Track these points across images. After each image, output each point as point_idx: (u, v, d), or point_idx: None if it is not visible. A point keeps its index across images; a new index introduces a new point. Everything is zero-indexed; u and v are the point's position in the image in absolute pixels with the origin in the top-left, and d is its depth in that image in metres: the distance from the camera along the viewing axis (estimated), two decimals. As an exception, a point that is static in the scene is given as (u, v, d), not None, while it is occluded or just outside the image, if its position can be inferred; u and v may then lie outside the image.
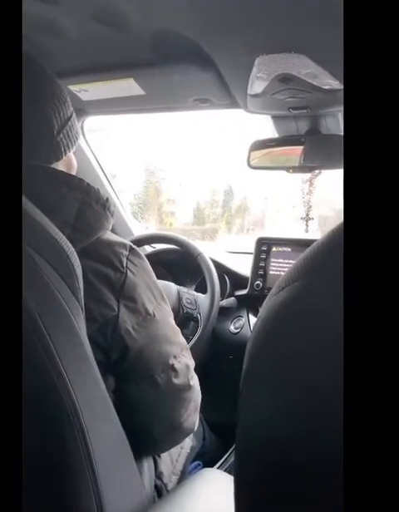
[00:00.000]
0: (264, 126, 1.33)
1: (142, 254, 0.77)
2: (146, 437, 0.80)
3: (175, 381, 0.77)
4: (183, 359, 0.80)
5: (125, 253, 0.73)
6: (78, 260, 0.64)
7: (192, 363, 0.83)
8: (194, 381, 0.82)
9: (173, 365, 0.77)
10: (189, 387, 0.80)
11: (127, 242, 0.76)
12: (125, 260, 0.73)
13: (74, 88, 1.08)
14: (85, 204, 0.71)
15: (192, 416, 0.83)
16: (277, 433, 0.36)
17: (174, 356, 0.77)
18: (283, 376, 0.35)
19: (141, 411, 0.78)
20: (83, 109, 1.26)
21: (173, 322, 0.82)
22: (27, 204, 0.60)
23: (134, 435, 0.74)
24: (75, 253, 0.64)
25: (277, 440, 0.35)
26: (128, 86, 1.03)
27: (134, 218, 1.82)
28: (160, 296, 0.79)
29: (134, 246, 0.76)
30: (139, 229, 1.73)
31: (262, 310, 0.41)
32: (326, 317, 0.32)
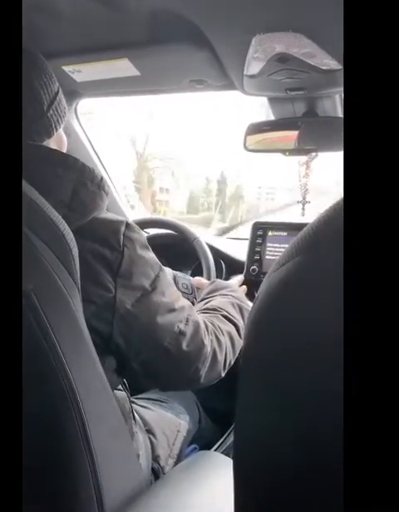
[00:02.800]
0: (258, 112, 1.32)
1: (138, 228, 0.76)
2: (167, 388, 0.90)
3: (186, 344, 0.78)
4: (190, 321, 0.80)
5: (122, 228, 0.73)
6: (74, 240, 0.63)
7: (201, 321, 0.84)
8: (208, 339, 0.83)
9: (181, 330, 0.78)
10: (203, 345, 0.81)
11: (123, 218, 0.75)
12: (121, 238, 0.72)
13: (68, 69, 1.06)
14: (80, 184, 0.71)
15: (213, 371, 0.84)
16: (277, 414, 0.35)
17: (180, 321, 0.78)
18: (284, 352, 0.35)
19: (158, 375, 0.81)
20: (77, 90, 1.24)
21: (173, 288, 0.82)
22: (23, 184, 0.59)
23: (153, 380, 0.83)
24: (71, 234, 0.63)
25: (273, 423, 0.35)
26: (123, 67, 1.02)
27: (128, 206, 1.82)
28: (158, 267, 0.78)
29: (130, 221, 0.75)
30: (132, 217, 1.72)
31: (261, 288, 0.40)
32: (327, 291, 0.32)
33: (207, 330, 0.85)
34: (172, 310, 0.78)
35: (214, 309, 0.99)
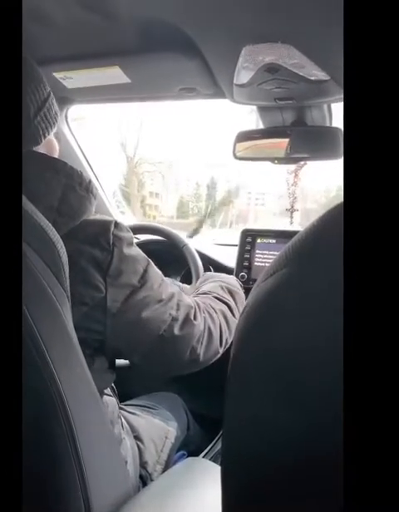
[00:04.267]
0: (249, 120, 1.33)
1: (126, 226, 0.77)
2: (169, 372, 0.93)
3: (179, 328, 0.80)
4: (181, 306, 0.83)
5: (111, 228, 0.73)
6: (64, 247, 0.63)
7: (192, 303, 0.87)
8: (201, 317, 0.86)
9: (173, 317, 0.80)
10: (195, 325, 0.83)
11: (112, 218, 0.76)
12: (111, 237, 0.72)
13: (59, 75, 1.06)
14: (69, 188, 0.71)
15: (210, 348, 0.87)
16: (264, 422, 0.36)
17: (171, 308, 0.80)
18: (271, 363, 0.35)
19: (159, 363, 0.84)
20: (68, 97, 1.24)
21: (160, 279, 0.83)
22: None
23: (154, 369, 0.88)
24: (60, 241, 0.63)
25: (263, 429, 0.35)
26: (114, 74, 1.02)
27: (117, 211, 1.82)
28: (145, 261, 0.79)
29: (118, 221, 0.76)
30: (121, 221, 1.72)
31: (249, 297, 0.40)
32: (314, 303, 0.32)
33: (199, 308, 0.87)
34: (161, 300, 0.79)
35: (205, 293, 1.03)
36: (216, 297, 1.01)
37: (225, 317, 0.95)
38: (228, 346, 0.93)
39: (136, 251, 0.78)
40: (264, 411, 0.35)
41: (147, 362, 0.82)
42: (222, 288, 1.06)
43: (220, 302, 0.99)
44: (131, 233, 0.78)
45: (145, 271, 0.78)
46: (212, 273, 1.26)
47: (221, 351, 0.91)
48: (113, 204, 1.74)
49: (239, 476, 0.39)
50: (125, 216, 2.11)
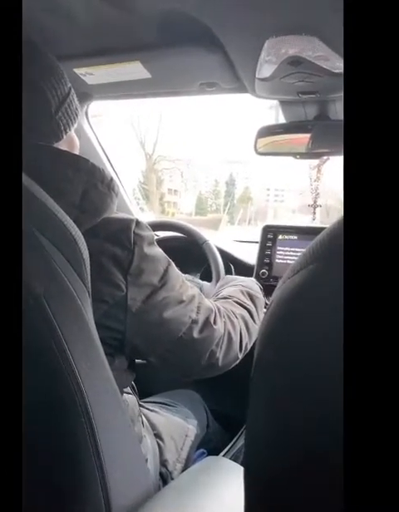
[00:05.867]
0: (269, 114, 1.32)
1: (147, 225, 0.77)
2: (187, 376, 0.89)
3: (198, 331, 0.80)
4: (202, 308, 0.82)
5: (132, 226, 0.73)
6: (85, 244, 0.63)
7: (213, 306, 0.86)
8: (221, 321, 0.85)
9: (193, 319, 0.79)
10: (215, 329, 0.82)
11: (133, 217, 0.75)
12: (132, 235, 0.72)
13: (80, 71, 1.06)
14: (90, 185, 0.70)
15: (229, 353, 0.86)
16: (288, 420, 0.35)
17: (191, 311, 0.80)
18: (296, 360, 0.35)
19: (177, 365, 0.83)
20: (88, 92, 1.24)
21: (181, 280, 0.82)
22: (33, 187, 0.59)
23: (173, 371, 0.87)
24: (82, 237, 0.63)
25: (288, 427, 0.35)
26: (134, 70, 1.01)
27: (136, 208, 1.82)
28: (166, 261, 0.79)
29: (139, 219, 0.76)
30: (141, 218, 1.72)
31: (275, 294, 0.40)
32: (339, 300, 0.31)
33: (219, 313, 0.86)
34: (182, 301, 0.79)
35: (225, 297, 1.02)
36: (237, 302, 1.00)
37: (246, 323, 0.94)
38: (247, 351, 0.92)
39: (157, 250, 0.78)
40: (288, 409, 0.35)
41: (165, 365, 0.81)
42: (242, 293, 1.05)
43: (241, 307, 0.98)
44: (152, 232, 0.78)
45: (166, 271, 0.77)
46: (232, 276, 1.25)
47: (241, 356, 0.90)
48: (133, 202, 1.74)
49: (262, 475, 0.38)
50: (144, 213, 2.11)
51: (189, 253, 1.45)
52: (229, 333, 0.86)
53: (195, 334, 0.79)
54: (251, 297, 1.05)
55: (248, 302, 1.02)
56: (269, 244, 1.42)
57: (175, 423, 1.06)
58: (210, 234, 1.48)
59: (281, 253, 1.41)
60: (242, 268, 1.53)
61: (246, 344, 0.92)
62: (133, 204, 1.74)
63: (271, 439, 0.37)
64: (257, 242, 1.48)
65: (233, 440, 1.27)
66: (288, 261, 1.39)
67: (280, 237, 1.42)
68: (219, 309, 0.87)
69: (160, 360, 0.79)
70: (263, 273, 1.40)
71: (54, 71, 0.73)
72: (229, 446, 1.23)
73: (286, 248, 1.41)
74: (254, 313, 1.00)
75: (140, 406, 0.96)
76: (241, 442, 1.24)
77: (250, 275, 1.45)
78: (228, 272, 1.46)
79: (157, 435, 0.98)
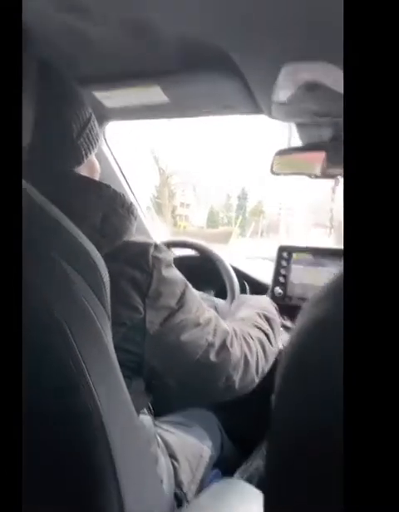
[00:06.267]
0: (282, 127, 1.32)
1: (165, 248, 0.78)
2: (203, 399, 0.92)
3: (215, 355, 0.79)
4: (218, 331, 0.82)
5: (151, 249, 0.74)
6: (106, 268, 0.64)
7: (229, 329, 0.86)
8: (237, 344, 0.85)
9: (209, 342, 0.79)
10: (232, 352, 0.82)
11: (151, 240, 0.77)
12: (150, 259, 0.73)
13: (99, 95, 1.08)
14: (111, 210, 0.72)
15: (246, 377, 0.86)
16: (310, 451, 0.35)
17: (208, 333, 0.80)
18: (318, 393, 0.35)
19: (193, 389, 0.84)
20: (106, 114, 1.26)
21: (199, 302, 0.82)
22: (55, 212, 0.60)
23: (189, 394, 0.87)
24: (102, 262, 0.64)
25: (310, 459, 0.35)
26: (152, 93, 1.03)
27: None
28: (183, 284, 0.79)
29: (157, 242, 0.77)
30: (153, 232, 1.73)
31: (297, 323, 0.40)
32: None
33: (236, 336, 0.86)
34: (199, 324, 0.79)
35: (242, 319, 1.01)
36: (254, 325, 0.99)
37: (263, 346, 0.94)
38: (264, 374, 0.92)
39: (175, 273, 0.79)
40: (308, 438, 0.35)
41: (182, 388, 0.82)
42: (259, 315, 1.05)
43: (258, 330, 0.98)
44: (170, 255, 0.79)
45: (183, 294, 0.78)
46: (247, 296, 1.25)
47: (257, 380, 0.90)
48: (147, 217, 1.75)
49: (282, 502, 0.39)
50: (156, 225, 2.12)
51: (204, 271, 1.46)
52: (246, 356, 0.86)
53: (212, 358, 0.79)
54: (268, 320, 1.05)
55: (266, 326, 1.01)
56: (284, 264, 1.42)
57: (190, 443, 1.06)
58: (220, 248, 1.48)
59: (296, 272, 1.41)
60: (256, 287, 1.53)
61: (263, 368, 0.91)
62: (147, 219, 1.75)
63: (291, 466, 0.37)
64: (269, 258, 1.48)
65: (248, 461, 1.26)
66: (303, 281, 1.38)
67: (295, 256, 1.42)
68: (235, 332, 0.87)
69: (177, 383, 0.80)
70: (279, 293, 1.40)
71: (76, 97, 0.75)
72: (243, 467, 1.23)
73: (301, 268, 1.40)
74: (271, 336, 0.99)
75: (155, 425, 0.96)
76: (256, 462, 1.23)
77: (265, 293, 1.45)
78: (242, 290, 1.46)
79: (172, 456, 0.98)
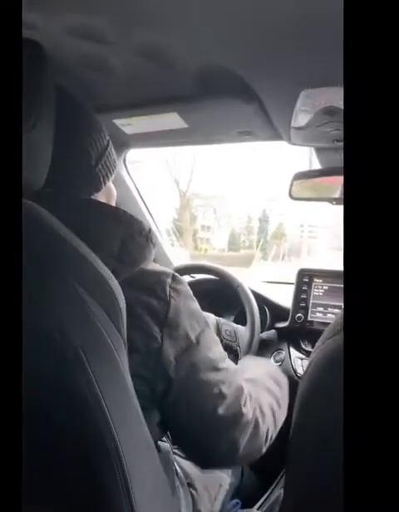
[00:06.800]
0: (304, 150, 1.32)
1: (184, 280, 0.76)
2: (201, 459, 0.81)
3: (224, 408, 0.73)
4: (233, 385, 0.76)
5: (169, 280, 0.72)
6: (123, 295, 0.64)
7: (245, 388, 0.79)
8: (251, 406, 0.78)
9: (221, 392, 0.73)
10: (242, 412, 0.75)
11: (169, 270, 0.75)
12: (168, 289, 0.72)
13: (119, 122, 1.10)
14: (128, 236, 0.71)
15: (253, 443, 0.78)
16: (330, 487, 0.34)
17: (223, 383, 0.74)
18: (337, 427, 0.34)
19: (192, 441, 0.76)
20: (127, 141, 1.28)
21: (219, 347, 0.79)
22: (73, 239, 0.60)
23: (192, 451, 0.79)
24: (119, 289, 0.63)
25: (330, 494, 0.34)
26: (171, 120, 1.04)
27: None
28: (204, 322, 0.76)
29: (176, 273, 0.75)
30: (174, 255, 1.74)
31: (313, 355, 0.39)
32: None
33: (250, 397, 0.79)
34: (216, 369, 0.74)
35: (252, 380, 0.92)
36: (266, 389, 0.92)
37: (273, 413, 0.86)
38: (272, 442, 0.84)
39: (196, 306, 0.76)
40: (328, 474, 0.34)
41: (178, 440, 0.78)
42: (270, 378, 0.98)
43: (269, 395, 0.90)
44: (189, 288, 0.77)
45: (203, 331, 0.75)
46: (253, 357, 1.25)
47: (264, 449, 0.82)
48: (167, 241, 1.76)
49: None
50: (177, 249, 2.13)
51: (223, 296, 1.45)
52: (257, 422, 0.79)
53: (221, 410, 0.72)
54: (278, 384, 0.98)
55: (277, 393, 0.94)
56: (305, 288, 1.41)
57: (209, 472, 1.03)
58: (241, 272, 1.48)
59: (317, 296, 1.39)
60: (277, 311, 1.51)
61: (271, 435, 0.84)
62: (166, 243, 1.76)
63: (312, 502, 0.36)
64: (289, 283, 1.47)
65: (268, 492, 1.23)
66: (324, 305, 1.37)
67: (316, 280, 1.41)
68: (250, 393, 0.81)
69: (173, 433, 0.77)
70: (299, 317, 1.39)
71: (94, 126, 0.76)
72: (263, 498, 1.19)
73: (321, 292, 1.39)
74: (281, 400, 0.93)
75: (173, 453, 0.94)
76: (276, 493, 1.20)
77: (285, 318, 1.44)
78: (262, 315, 1.45)
79: (190, 485, 0.96)
